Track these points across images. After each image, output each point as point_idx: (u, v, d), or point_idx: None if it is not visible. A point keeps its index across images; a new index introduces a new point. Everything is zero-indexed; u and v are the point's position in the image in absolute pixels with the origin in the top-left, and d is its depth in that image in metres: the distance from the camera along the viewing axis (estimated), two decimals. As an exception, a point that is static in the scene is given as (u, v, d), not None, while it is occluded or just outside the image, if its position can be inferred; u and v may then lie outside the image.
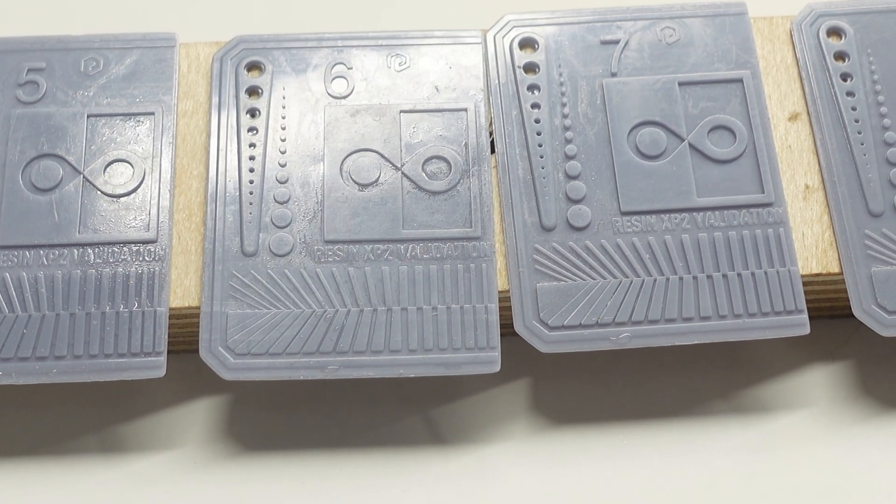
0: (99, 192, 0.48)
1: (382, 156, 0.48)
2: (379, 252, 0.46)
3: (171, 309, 0.46)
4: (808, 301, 0.47)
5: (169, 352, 0.47)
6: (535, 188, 0.48)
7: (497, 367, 0.45)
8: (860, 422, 0.48)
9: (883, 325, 0.45)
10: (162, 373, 0.45)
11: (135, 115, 0.49)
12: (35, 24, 0.56)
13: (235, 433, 0.48)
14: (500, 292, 0.46)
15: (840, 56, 0.50)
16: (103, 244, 0.47)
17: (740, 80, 0.49)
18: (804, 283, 0.47)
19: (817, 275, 0.46)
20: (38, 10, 0.59)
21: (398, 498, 0.46)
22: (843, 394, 0.48)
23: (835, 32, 0.50)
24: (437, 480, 0.47)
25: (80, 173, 0.48)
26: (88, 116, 0.49)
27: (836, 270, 0.46)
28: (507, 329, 0.46)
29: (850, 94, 0.49)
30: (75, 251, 0.46)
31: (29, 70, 0.50)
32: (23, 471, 0.47)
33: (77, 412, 0.48)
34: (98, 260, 0.46)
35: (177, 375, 0.48)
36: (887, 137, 0.48)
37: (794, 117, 0.49)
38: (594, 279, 0.46)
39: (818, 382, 0.49)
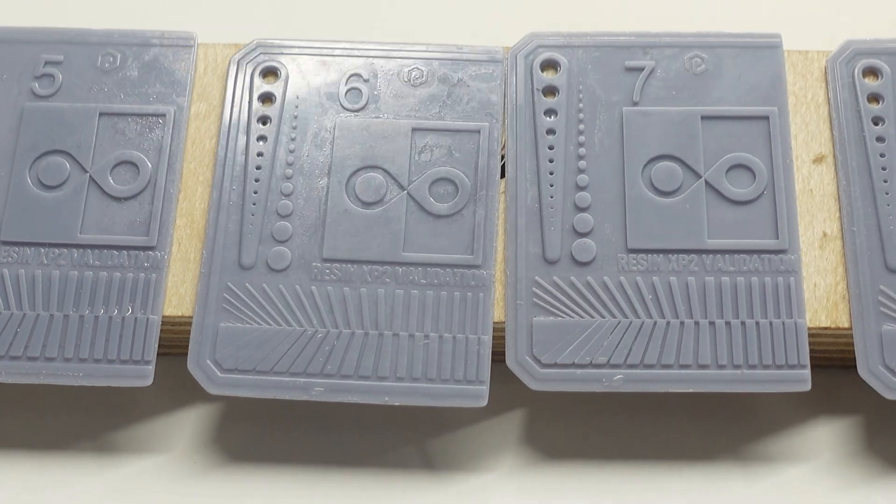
0: (104, 193, 0.47)
1: (389, 174, 0.47)
2: (377, 274, 0.46)
3: (164, 317, 0.46)
4: (816, 351, 0.46)
5: (166, 355, 0.47)
6: (541, 218, 0.46)
7: (484, 402, 0.44)
8: (864, 480, 0.46)
9: (889, 387, 0.44)
10: (149, 382, 0.45)
11: (147, 115, 0.49)
12: (57, 18, 0.56)
13: (223, 443, 0.48)
14: (496, 322, 0.45)
15: (874, 98, 0.48)
16: (103, 247, 0.46)
17: (766, 118, 0.47)
18: (813, 336, 0.45)
19: (825, 329, 0.45)
20: (61, 3, 0.59)
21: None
22: (848, 450, 0.47)
23: (871, 72, 0.48)
24: (422, 506, 0.47)
25: (86, 172, 0.48)
26: (100, 115, 0.49)
27: (846, 325, 0.45)
28: (503, 356, 0.45)
29: (880, 139, 0.47)
30: (75, 252, 0.46)
31: (46, 62, 0.50)
32: (11, 471, 0.47)
33: (69, 414, 0.48)
34: (97, 262, 0.46)
35: (172, 378, 0.48)
36: (915, 188, 0.46)
37: (819, 159, 0.47)
38: (592, 317, 0.45)
39: (822, 436, 0.47)
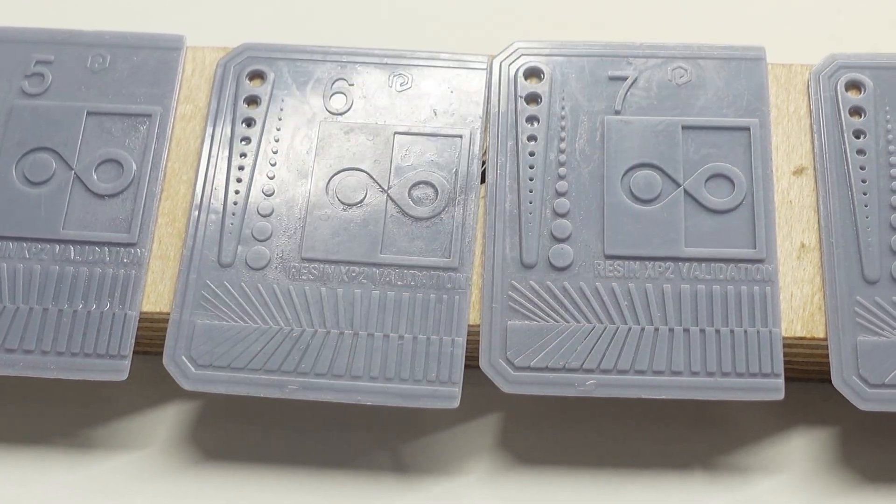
0: (87, 191, 0.48)
1: (371, 176, 0.48)
2: (354, 274, 0.46)
3: (142, 313, 0.46)
4: (792, 362, 0.46)
5: (146, 353, 0.48)
6: (519, 223, 0.47)
7: (456, 404, 0.44)
8: (838, 492, 0.46)
9: (862, 398, 0.43)
10: (124, 376, 0.45)
11: (133, 115, 0.49)
12: (49, 19, 0.56)
13: (198, 441, 0.48)
14: (471, 326, 0.45)
15: (856, 111, 0.48)
16: (84, 243, 0.47)
17: (747, 129, 0.47)
18: (789, 346, 0.45)
19: (801, 338, 0.45)
20: (53, 4, 0.60)
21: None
22: (823, 462, 0.47)
23: (854, 86, 0.48)
24: (395, 509, 0.47)
25: (71, 170, 0.48)
26: (88, 113, 0.49)
27: (821, 336, 0.45)
28: (478, 361, 0.45)
29: (860, 151, 0.47)
30: (57, 247, 0.47)
31: (37, 62, 0.51)
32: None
33: (46, 409, 0.49)
34: (78, 258, 0.47)
35: (149, 375, 0.48)
36: (893, 201, 0.46)
37: (799, 171, 0.47)
38: (567, 322, 0.45)
39: (797, 448, 0.47)
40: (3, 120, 0.49)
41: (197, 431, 0.48)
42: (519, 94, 0.49)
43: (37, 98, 0.50)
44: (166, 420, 0.48)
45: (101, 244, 0.47)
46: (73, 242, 0.47)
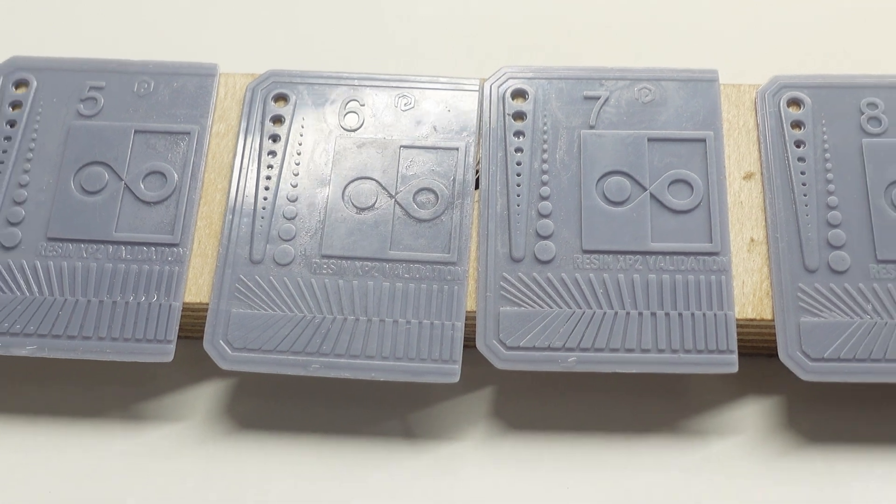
0: (136, 198, 0.54)
1: (380, 184, 0.54)
2: (367, 269, 0.52)
3: (184, 304, 0.52)
4: (744, 341, 0.52)
5: (187, 338, 0.54)
6: (509, 223, 0.53)
7: (456, 379, 0.50)
8: (784, 453, 0.52)
9: (804, 370, 0.50)
10: (170, 358, 0.51)
11: (174, 133, 0.56)
12: (101, 50, 0.63)
13: (233, 414, 0.54)
14: (468, 312, 0.51)
15: (797, 124, 0.54)
16: (134, 243, 0.53)
17: (703, 140, 0.54)
18: (741, 327, 0.51)
19: (751, 320, 0.51)
20: (104, 37, 0.67)
21: (366, 478, 0.52)
22: (770, 426, 0.53)
23: (795, 102, 0.55)
24: (404, 469, 0.52)
25: (122, 180, 0.54)
26: (135, 132, 0.56)
27: (769, 317, 0.51)
28: (474, 342, 0.51)
29: (801, 159, 0.54)
30: (110, 247, 0.53)
31: (90, 88, 0.57)
32: (48, 436, 0.54)
33: (101, 387, 0.55)
34: (128, 256, 0.53)
35: (191, 357, 0.54)
36: (830, 201, 0.52)
37: (748, 176, 0.54)
38: (552, 308, 0.51)
39: (748, 415, 0.53)
40: (62, 138, 0.56)
41: (233, 405, 0.54)
42: (507, 112, 0.56)
43: (91, 119, 0.56)
44: (206, 395, 0.54)
45: (148, 244, 0.53)
46: (124, 243, 0.53)
